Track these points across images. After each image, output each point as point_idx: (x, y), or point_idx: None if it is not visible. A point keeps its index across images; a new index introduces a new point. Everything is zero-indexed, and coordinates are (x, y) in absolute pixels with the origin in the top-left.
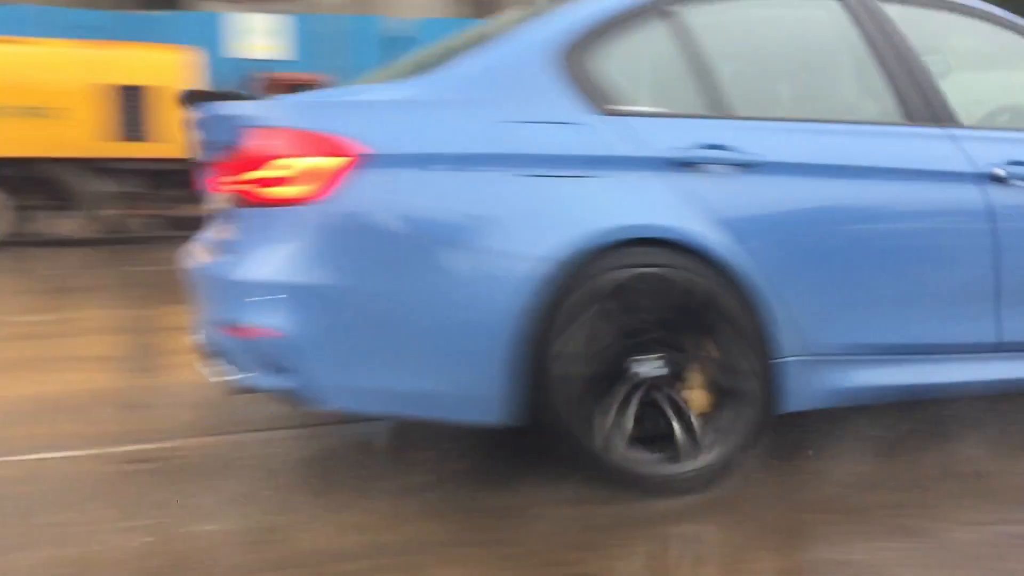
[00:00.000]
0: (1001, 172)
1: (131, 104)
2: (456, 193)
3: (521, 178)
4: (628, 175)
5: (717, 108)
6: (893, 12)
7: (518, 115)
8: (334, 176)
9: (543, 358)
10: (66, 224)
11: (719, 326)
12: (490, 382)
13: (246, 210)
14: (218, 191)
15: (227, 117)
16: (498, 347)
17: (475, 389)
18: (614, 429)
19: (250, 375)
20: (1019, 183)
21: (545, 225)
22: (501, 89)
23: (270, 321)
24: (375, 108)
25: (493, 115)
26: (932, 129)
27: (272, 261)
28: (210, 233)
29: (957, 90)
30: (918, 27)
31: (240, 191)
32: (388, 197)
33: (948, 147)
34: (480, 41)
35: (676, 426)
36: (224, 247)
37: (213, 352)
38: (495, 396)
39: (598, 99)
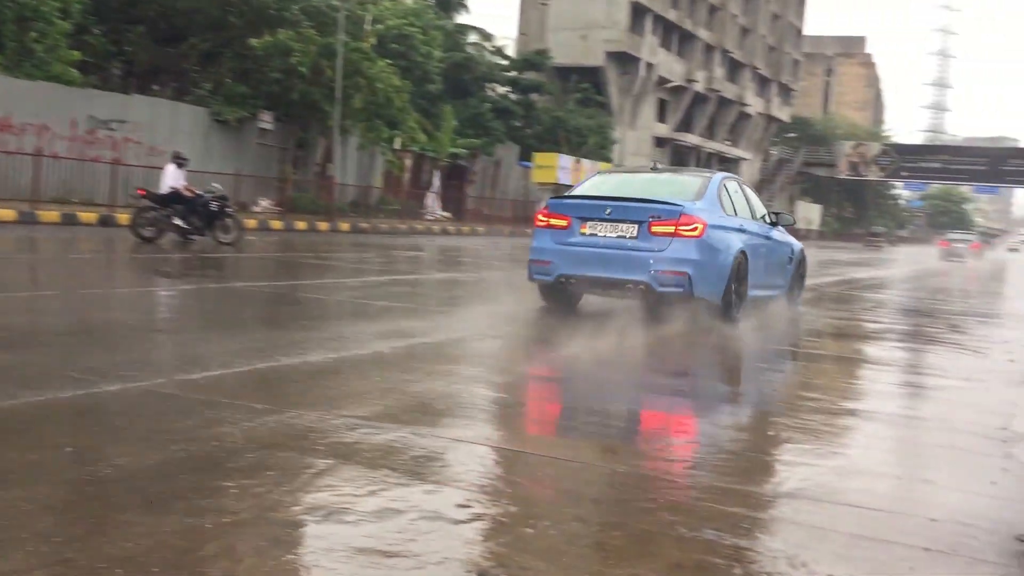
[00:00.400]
0: (768, 235)
1: None
2: (722, 235)
3: (730, 233)
4: (736, 232)
5: (737, 213)
6: (746, 190)
7: (722, 212)
8: (703, 230)
9: (730, 280)
10: None
11: (744, 272)
12: (723, 288)
13: (676, 237)
14: (650, 229)
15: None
16: (727, 277)
17: (721, 290)
18: (737, 303)
19: (663, 288)
20: (767, 238)
21: (734, 245)
22: (715, 204)
23: (683, 269)
24: (704, 210)
25: (719, 212)
26: (757, 222)
27: (687, 252)
28: (614, 240)
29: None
30: (747, 191)
31: (672, 232)
32: (712, 236)
33: (760, 227)
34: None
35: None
36: (647, 247)
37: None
38: (723, 293)
39: (725, 208)
